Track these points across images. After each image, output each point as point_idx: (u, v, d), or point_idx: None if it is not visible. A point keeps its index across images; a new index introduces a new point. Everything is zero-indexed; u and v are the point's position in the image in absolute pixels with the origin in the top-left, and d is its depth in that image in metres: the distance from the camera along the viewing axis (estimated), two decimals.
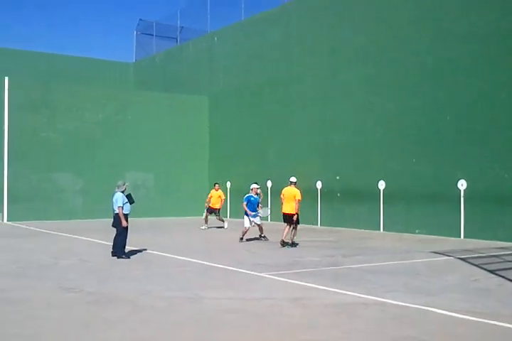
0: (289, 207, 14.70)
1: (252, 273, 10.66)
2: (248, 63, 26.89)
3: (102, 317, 7.21)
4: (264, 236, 16.64)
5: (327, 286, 9.16)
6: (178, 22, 34.63)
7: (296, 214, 14.68)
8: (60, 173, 25.71)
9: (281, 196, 15.11)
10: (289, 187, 15.00)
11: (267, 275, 10.35)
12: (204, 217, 21.17)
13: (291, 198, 14.66)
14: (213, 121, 29.25)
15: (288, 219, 14.77)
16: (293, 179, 15.15)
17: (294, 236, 14.91)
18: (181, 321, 7.00)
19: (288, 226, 14.78)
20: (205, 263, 12.02)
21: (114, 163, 26.52)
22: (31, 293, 8.72)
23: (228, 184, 27.55)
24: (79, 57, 36.62)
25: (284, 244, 14.67)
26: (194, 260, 12.44)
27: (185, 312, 7.47)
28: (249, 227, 16.24)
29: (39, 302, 8.13)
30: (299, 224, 15.05)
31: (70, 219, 25.10)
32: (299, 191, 14.76)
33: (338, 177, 21.38)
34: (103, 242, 16.12)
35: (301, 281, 9.66)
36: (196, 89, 30.13)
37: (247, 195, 16.37)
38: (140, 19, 38.09)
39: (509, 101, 16.35)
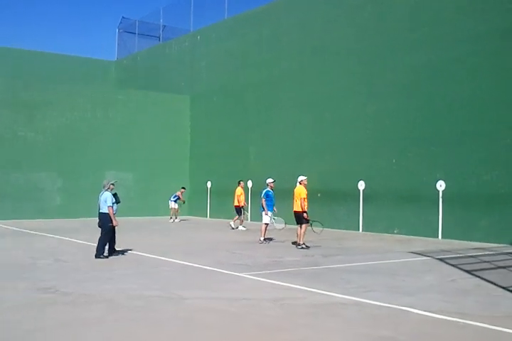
0: (296, 205, 14.90)
1: (232, 273, 10.65)
2: (231, 63, 26.86)
3: (79, 318, 7.15)
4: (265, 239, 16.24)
5: (306, 286, 9.17)
6: (161, 20, 34.56)
7: (303, 212, 14.72)
8: (39, 172, 25.51)
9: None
10: (298, 186, 15.10)
11: (246, 276, 10.34)
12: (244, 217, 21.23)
13: (297, 197, 14.88)
14: (195, 120, 29.19)
15: (296, 217, 14.91)
16: (298, 178, 15.21)
17: (300, 236, 14.75)
18: (160, 321, 6.97)
19: (301, 226, 14.78)
20: (185, 263, 11.98)
21: (94, 162, 26.39)
22: (7, 294, 8.62)
23: (209, 184, 27.50)
24: (60, 54, 36.36)
25: (303, 245, 14.62)
26: (174, 260, 12.40)
27: (164, 312, 7.43)
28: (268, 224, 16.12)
29: (14, 303, 8.03)
30: (306, 223, 14.81)
31: (48, 218, 24.91)
32: (303, 189, 14.86)
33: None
34: (82, 242, 16.02)
35: (280, 281, 9.66)
36: (178, 88, 30.05)
37: (265, 190, 16.21)
38: (123, 17, 38.00)
39: (488, 103, 16.50)
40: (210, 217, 27.31)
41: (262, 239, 16.05)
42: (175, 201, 24.76)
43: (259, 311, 7.50)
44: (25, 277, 10.13)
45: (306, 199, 14.81)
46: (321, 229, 15.35)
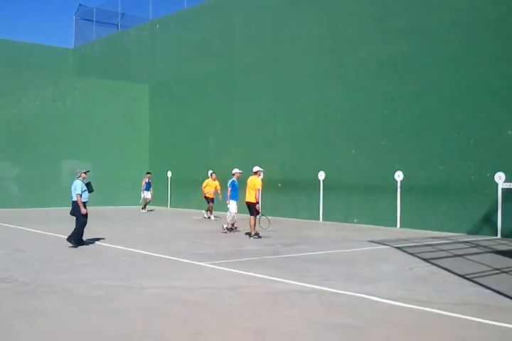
0: (249, 196, 14.81)
1: (193, 262, 10.64)
2: (190, 52, 26.66)
3: (37, 308, 7.05)
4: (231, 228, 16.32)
5: (266, 275, 9.22)
6: (119, 8, 34.03)
7: (257, 203, 14.75)
8: None
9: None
10: (252, 176, 15.04)
11: (207, 265, 10.34)
12: (209, 207, 20.92)
13: (251, 187, 14.77)
14: (154, 109, 28.93)
15: (248, 207, 14.84)
16: (254, 168, 15.20)
17: (252, 227, 14.77)
18: (120, 310, 6.92)
19: (253, 217, 14.75)
20: (146, 252, 11.92)
21: (51, 151, 25.98)
22: None
23: (169, 173, 27.35)
24: (15, 41, 35.55)
25: (255, 236, 14.62)
26: (134, 250, 12.32)
27: (124, 302, 7.38)
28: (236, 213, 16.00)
29: None
30: (256, 214, 14.89)
31: (5, 207, 24.40)
32: (259, 180, 14.85)
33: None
34: (40, 232, 15.78)
35: (240, 270, 9.69)
36: (137, 77, 29.70)
37: (231, 180, 16.01)
38: (80, 4, 37.20)
39: (446, 95, 16.77)
40: (170, 206, 27.19)
41: (225, 226, 16.05)
42: (147, 190, 24.30)
43: (220, 300, 7.52)
44: None
45: (260, 191, 14.85)
46: (268, 225, 15.31)
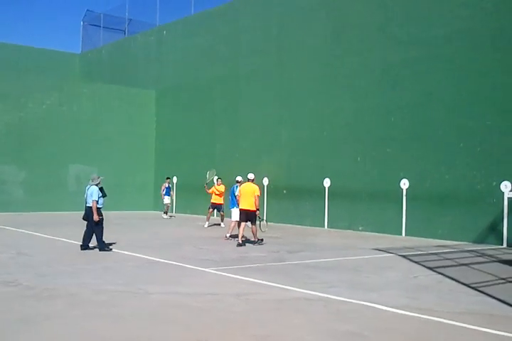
0: (248, 203, 14.47)
1: (198, 268, 10.63)
2: (197, 58, 26.74)
3: (42, 312, 7.05)
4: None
5: (271, 282, 9.21)
6: (127, 14, 34.18)
7: (257, 209, 14.59)
8: (1, 164, 25.03)
9: (238, 193, 15.01)
10: (246, 183, 14.88)
11: (212, 271, 10.33)
12: (208, 213, 20.44)
13: (250, 194, 14.48)
14: (160, 115, 29.00)
15: (247, 215, 14.51)
16: (250, 176, 15.04)
17: (254, 234, 14.72)
18: (124, 316, 6.91)
19: (244, 224, 14.61)
20: (151, 258, 11.91)
21: (57, 155, 26.05)
22: None
23: (175, 179, 27.36)
24: (22, 46, 35.75)
25: (241, 243, 14.34)
26: (140, 255, 12.32)
27: (128, 307, 7.38)
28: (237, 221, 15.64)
29: None
30: (262, 219, 14.87)
31: (10, 211, 24.44)
32: (257, 187, 14.72)
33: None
34: (45, 236, 15.79)
35: (246, 277, 9.68)
36: (144, 82, 29.79)
37: (238, 188, 15.67)
38: (87, 10, 37.47)
39: (451, 103, 16.75)
40: (176, 212, 27.18)
41: (228, 235, 15.95)
42: (168, 195, 24.10)
43: (224, 306, 7.51)
44: None
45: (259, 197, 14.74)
46: (266, 227, 15.31)
